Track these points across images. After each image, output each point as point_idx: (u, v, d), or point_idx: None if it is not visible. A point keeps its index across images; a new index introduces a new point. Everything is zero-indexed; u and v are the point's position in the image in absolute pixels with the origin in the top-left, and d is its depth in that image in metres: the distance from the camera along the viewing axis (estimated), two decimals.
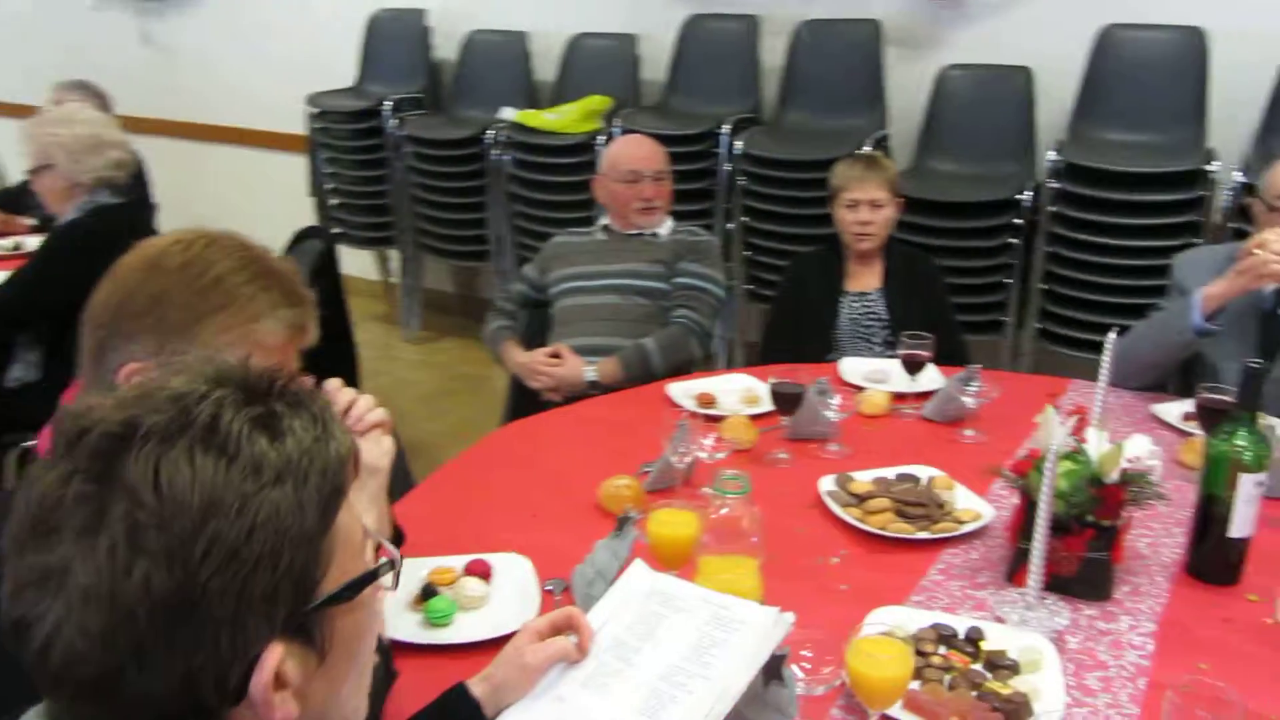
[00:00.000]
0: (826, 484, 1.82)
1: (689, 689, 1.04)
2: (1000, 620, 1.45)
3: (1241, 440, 1.51)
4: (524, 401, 2.74)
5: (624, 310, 2.82)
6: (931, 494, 1.76)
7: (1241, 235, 3.32)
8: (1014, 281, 3.87)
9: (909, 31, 4.17)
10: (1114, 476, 1.47)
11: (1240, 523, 1.53)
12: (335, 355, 2.86)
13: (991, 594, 1.52)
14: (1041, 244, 3.76)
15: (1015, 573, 1.54)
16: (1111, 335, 1.84)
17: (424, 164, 4.77)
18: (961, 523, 1.70)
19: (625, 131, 3.89)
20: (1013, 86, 3.98)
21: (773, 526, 1.47)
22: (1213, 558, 1.56)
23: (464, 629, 1.39)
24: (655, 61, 4.52)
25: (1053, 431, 1.50)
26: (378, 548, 0.78)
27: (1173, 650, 1.39)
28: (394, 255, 5.35)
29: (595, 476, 1.79)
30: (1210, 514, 1.56)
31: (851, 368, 2.45)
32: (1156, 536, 1.69)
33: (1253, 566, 1.56)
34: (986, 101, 4.04)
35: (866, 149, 3.06)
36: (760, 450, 1.98)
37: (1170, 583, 1.56)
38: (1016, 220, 3.76)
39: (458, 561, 1.53)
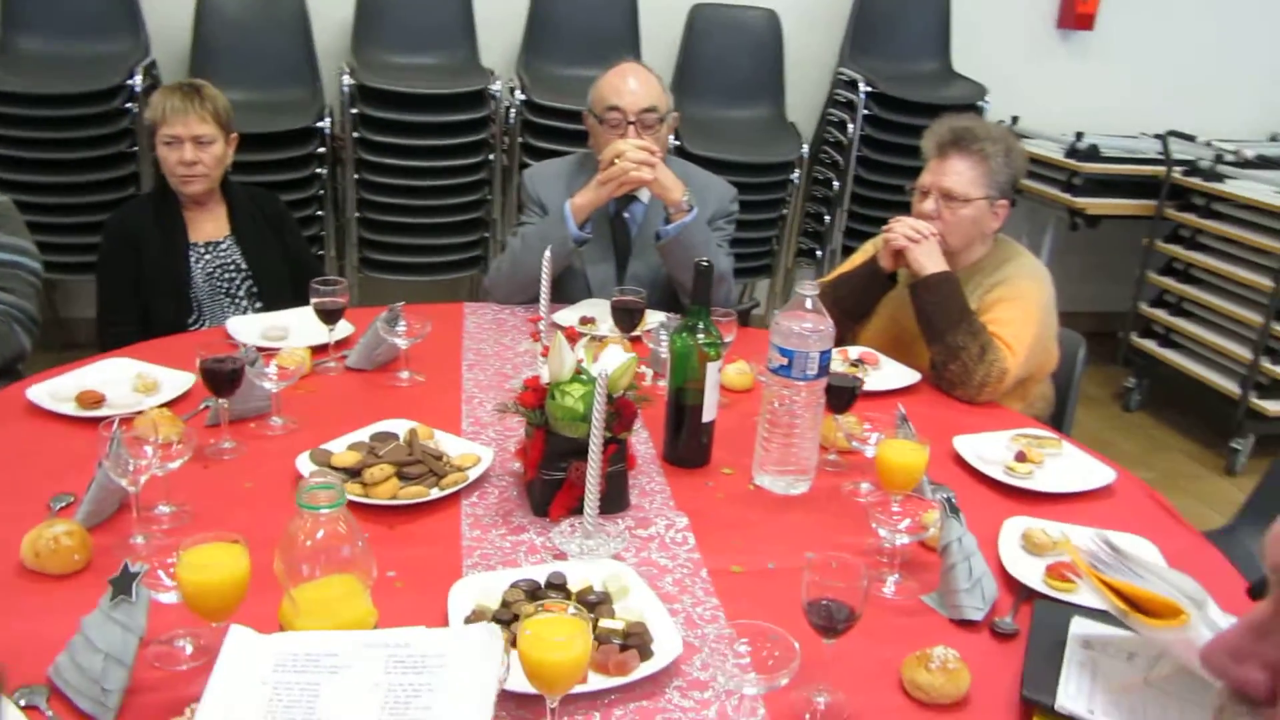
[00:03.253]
0: (306, 465, 1.57)
1: None
2: (562, 556, 1.41)
3: (701, 333, 1.66)
4: None
5: None
6: (422, 448, 1.62)
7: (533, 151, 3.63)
8: (327, 213, 3.75)
9: None
10: (623, 389, 1.50)
11: (709, 407, 1.68)
12: None
13: (536, 534, 1.47)
14: (350, 172, 3.68)
15: (549, 506, 1.50)
16: (547, 254, 1.88)
17: None
18: (465, 469, 1.60)
19: None
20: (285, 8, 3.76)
21: (260, 532, 1.20)
22: (690, 444, 1.70)
23: None
24: None
25: (565, 359, 1.48)
26: None
27: (707, 535, 1.49)
28: None
29: None
30: (681, 405, 1.69)
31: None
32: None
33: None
34: (259, 27, 3.76)
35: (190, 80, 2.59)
36: (199, 444, 1.63)
37: (662, 476, 1.67)
38: (320, 150, 3.62)
39: None
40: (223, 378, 1.61)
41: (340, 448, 1.62)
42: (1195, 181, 3.93)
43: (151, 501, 1.45)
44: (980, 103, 4.04)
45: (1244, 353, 3.69)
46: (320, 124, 3.59)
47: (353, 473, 1.55)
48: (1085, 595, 1.30)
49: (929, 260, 2.09)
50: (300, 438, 1.69)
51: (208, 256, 2.44)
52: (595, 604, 1.27)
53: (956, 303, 2.05)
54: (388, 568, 1.35)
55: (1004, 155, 2.13)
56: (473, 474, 1.58)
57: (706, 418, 1.68)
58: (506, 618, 1.23)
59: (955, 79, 4.21)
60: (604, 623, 1.23)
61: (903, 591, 1.40)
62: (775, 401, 1.60)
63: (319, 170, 3.63)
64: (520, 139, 3.75)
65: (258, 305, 2.47)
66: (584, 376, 1.49)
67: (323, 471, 1.54)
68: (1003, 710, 1.17)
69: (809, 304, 1.57)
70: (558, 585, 1.30)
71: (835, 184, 4.11)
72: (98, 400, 1.74)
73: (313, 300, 1.96)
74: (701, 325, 1.65)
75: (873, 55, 4.15)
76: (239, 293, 2.46)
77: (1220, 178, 3.88)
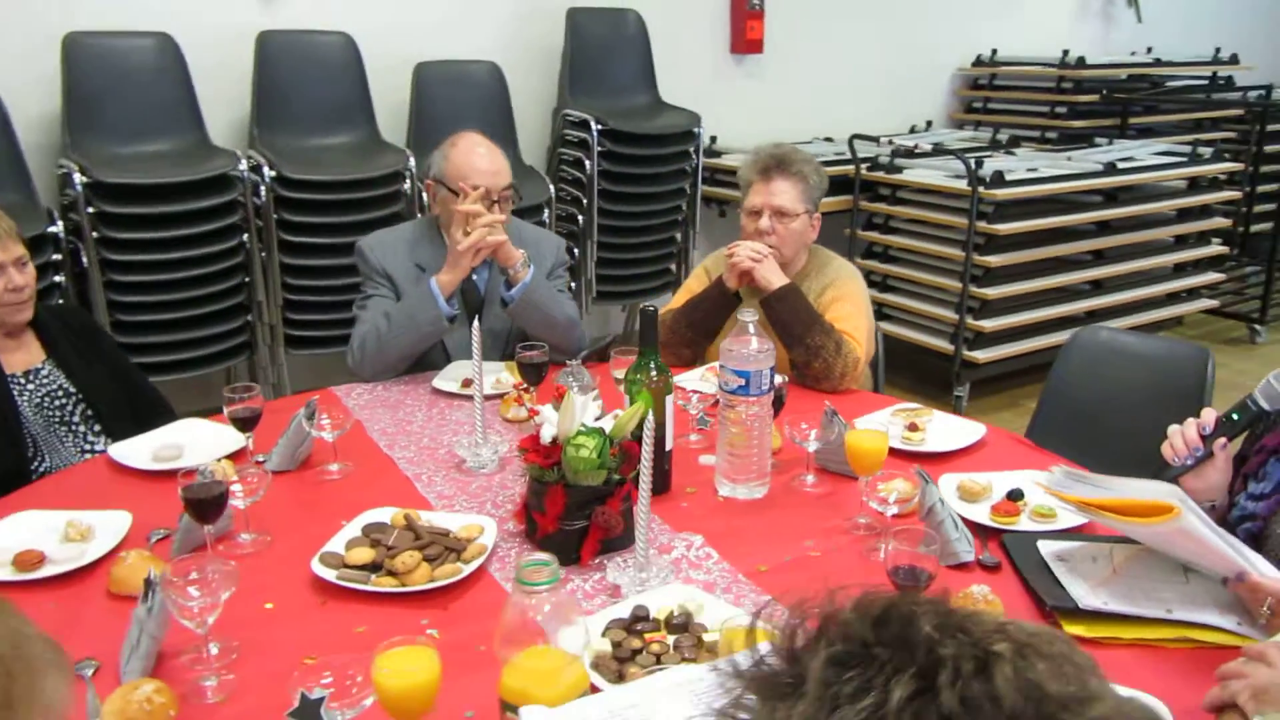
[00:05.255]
0: (327, 571, 1.55)
1: None
2: (617, 593, 1.51)
3: (654, 370, 1.81)
4: None
5: None
6: (428, 529, 1.65)
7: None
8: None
9: None
10: (629, 432, 1.63)
11: (668, 438, 1.85)
12: None
13: (582, 579, 1.56)
14: (96, 274, 3.40)
15: (578, 552, 1.60)
16: (476, 325, 1.95)
17: None
18: (474, 539, 1.65)
19: None
20: None
21: (333, 643, 1.22)
22: (656, 473, 1.85)
23: None
24: None
25: (575, 415, 1.59)
26: None
27: (720, 546, 1.66)
28: None
29: None
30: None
31: None
32: None
33: None
34: None
35: None
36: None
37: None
38: (56, 256, 3.32)
39: None
40: (210, 503, 1.54)
41: (339, 547, 1.62)
42: (880, 175, 4.59)
43: (181, 647, 1.38)
44: (696, 129, 4.46)
45: (950, 314, 4.37)
46: (53, 228, 3.29)
47: (374, 568, 1.56)
48: (1069, 519, 1.63)
49: (773, 275, 2.38)
50: (281, 548, 1.66)
51: (30, 387, 2.23)
52: (683, 625, 1.40)
53: (805, 308, 2.35)
54: (477, 643, 1.39)
55: (815, 174, 2.47)
56: (488, 541, 1.64)
57: (667, 447, 1.85)
58: (626, 655, 1.33)
59: (667, 109, 4.60)
60: (706, 637, 1.37)
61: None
62: (735, 418, 1.80)
63: (57, 279, 3.32)
64: (275, 215, 3.64)
65: (96, 429, 2.28)
66: (584, 428, 1.61)
67: (535, 566, 1.52)
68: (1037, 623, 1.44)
69: (751, 329, 1.78)
70: (643, 618, 1.42)
71: (580, 219, 4.35)
72: (38, 560, 1.59)
73: (227, 409, 1.89)
74: (653, 364, 1.82)
75: (592, 95, 4.43)
76: (74, 419, 2.26)
77: (899, 169, 4.56)
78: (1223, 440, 1.59)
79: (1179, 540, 1.38)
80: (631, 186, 4.33)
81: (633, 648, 1.34)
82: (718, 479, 1.86)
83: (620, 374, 2.06)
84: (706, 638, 1.37)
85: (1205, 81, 6.20)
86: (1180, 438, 1.61)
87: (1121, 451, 2.01)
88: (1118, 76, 5.81)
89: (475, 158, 2.43)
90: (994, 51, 5.86)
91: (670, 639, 1.37)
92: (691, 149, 4.48)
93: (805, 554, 1.64)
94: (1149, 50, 6.37)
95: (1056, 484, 1.54)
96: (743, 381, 1.77)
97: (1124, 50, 6.37)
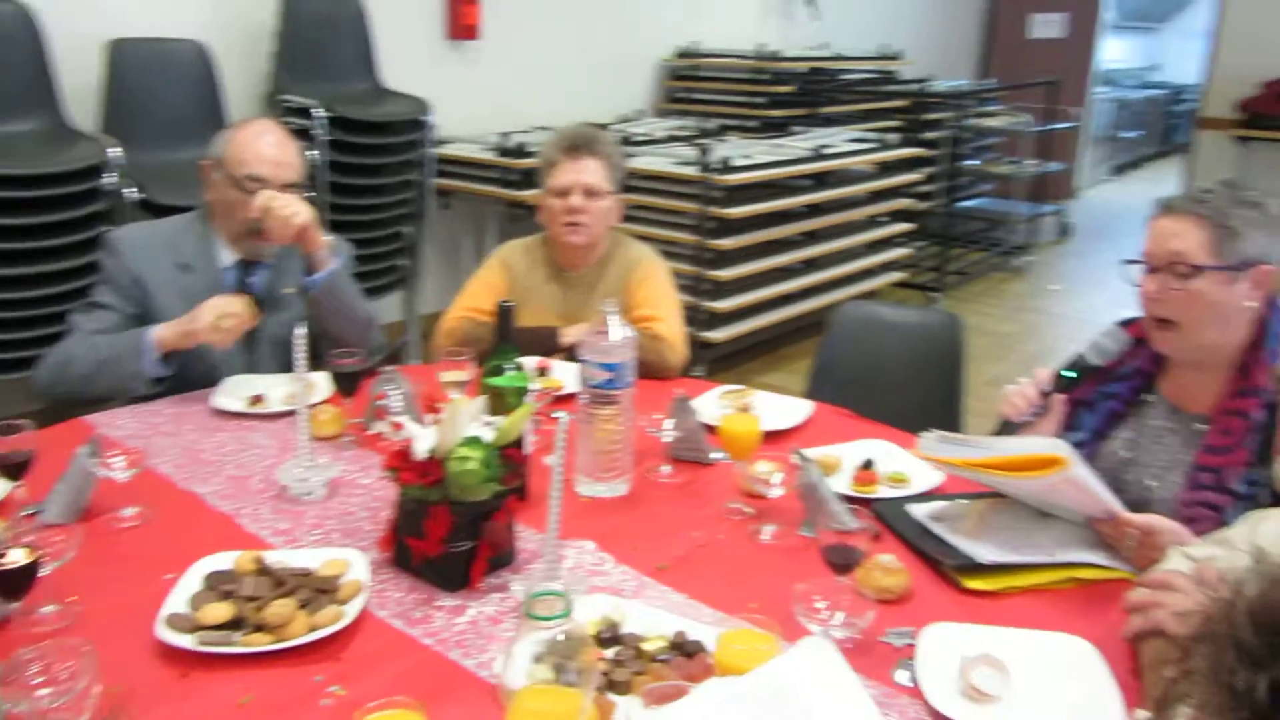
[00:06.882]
0: (180, 638, 1.29)
1: None
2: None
3: (512, 370, 1.69)
4: None
5: None
6: (287, 572, 1.43)
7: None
8: None
9: None
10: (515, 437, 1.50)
11: (527, 442, 1.72)
12: None
13: (482, 604, 1.42)
14: None
15: (467, 575, 1.45)
16: (300, 330, 1.72)
17: None
18: (340, 574, 1.45)
19: None
20: None
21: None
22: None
23: None
24: None
25: (458, 425, 1.44)
26: None
27: (611, 549, 1.57)
28: None
29: None
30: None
31: None
32: None
33: None
34: None
35: None
36: None
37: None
38: None
39: None
40: (20, 577, 1.24)
41: (181, 606, 1.36)
42: None
43: None
44: (423, 117, 4.26)
45: (686, 298, 4.48)
46: None
47: (236, 624, 1.33)
48: (923, 482, 1.70)
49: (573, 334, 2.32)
50: (100, 618, 1.37)
51: None
52: (613, 638, 1.32)
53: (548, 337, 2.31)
54: (392, 694, 1.22)
55: (619, 156, 2.43)
56: (361, 576, 1.45)
57: (526, 451, 1.73)
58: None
59: (392, 96, 4.36)
60: (645, 646, 1.29)
61: (779, 535, 1.64)
62: (602, 414, 1.72)
63: None
64: None
65: None
66: (474, 438, 1.47)
67: (547, 598, 1.20)
68: (938, 584, 1.49)
69: (611, 320, 1.71)
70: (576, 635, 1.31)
71: None
72: None
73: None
74: (511, 364, 1.69)
75: (311, 80, 4.11)
76: None
77: (628, 156, 4.62)
78: (1060, 396, 1.73)
79: (1065, 489, 1.48)
80: (361, 178, 4.07)
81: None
82: (579, 479, 1.77)
83: (451, 376, 1.91)
84: (646, 647, 1.29)
85: (876, 75, 6.82)
86: (1020, 397, 1.73)
87: (891, 415, 2.13)
88: (805, 69, 6.24)
89: (262, 145, 2.16)
90: (695, 43, 6.09)
91: (609, 653, 1.28)
92: (420, 138, 4.28)
93: (697, 546, 1.60)
94: (825, 45, 6.90)
95: (932, 449, 1.60)
96: (610, 375, 1.69)
97: (804, 46, 6.85)
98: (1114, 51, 10.10)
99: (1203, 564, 1.29)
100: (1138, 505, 1.56)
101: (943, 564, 1.50)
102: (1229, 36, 8.12)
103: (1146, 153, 11.71)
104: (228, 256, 2.27)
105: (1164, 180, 9.97)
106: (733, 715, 0.94)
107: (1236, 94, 8.13)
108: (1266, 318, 1.61)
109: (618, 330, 1.70)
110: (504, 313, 1.69)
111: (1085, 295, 6.31)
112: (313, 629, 1.32)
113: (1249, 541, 1.31)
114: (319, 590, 1.40)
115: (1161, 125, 11.98)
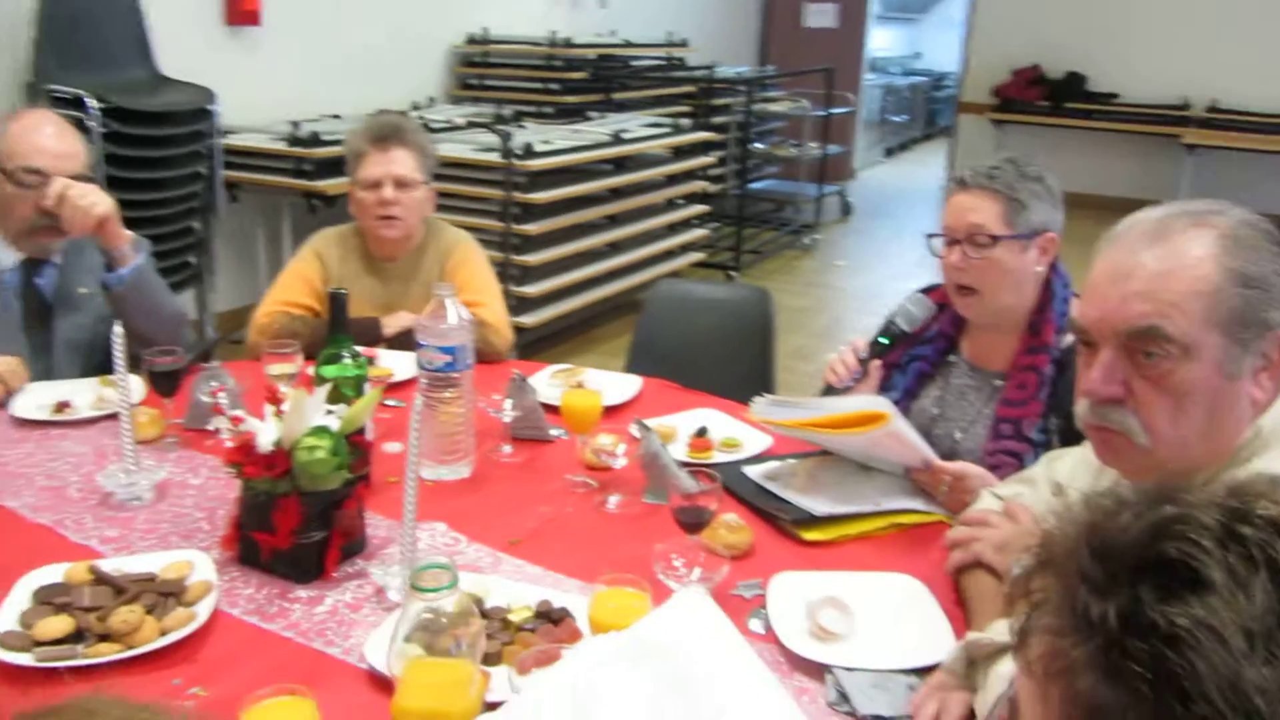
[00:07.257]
0: (6, 656, 1.21)
1: None
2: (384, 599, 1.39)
3: (349, 358, 1.67)
4: None
5: None
6: (126, 579, 1.37)
7: None
8: None
9: None
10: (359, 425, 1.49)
11: (369, 429, 1.71)
12: None
13: (339, 593, 1.40)
14: None
15: (321, 565, 1.43)
16: (118, 329, 1.62)
17: None
18: (185, 576, 1.40)
19: None
20: None
21: None
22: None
23: None
24: None
25: (305, 414, 1.42)
26: None
27: (463, 529, 1.59)
28: None
29: None
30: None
31: None
32: None
33: None
34: None
35: None
36: None
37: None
38: None
39: None
40: None
41: (12, 624, 1.28)
42: None
43: None
44: (209, 106, 4.06)
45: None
46: None
47: (77, 637, 1.26)
48: (755, 446, 1.80)
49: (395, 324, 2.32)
50: None
51: None
52: (479, 613, 1.34)
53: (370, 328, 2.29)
54: (261, 687, 1.20)
55: (429, 145, 2.41)
56: (208, 576, 1.40)
57: (368, 438, 1.71)
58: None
59: (172, 84, 4.12)
60: (511, 617, 1.32)
61: (624, 505, 1.70)
62: (443, 398, 1.72)
63: None
64: None
65: None
66: (322, 428, 1.44)
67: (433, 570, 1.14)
68: (778, 538, 1.59)
69: (448, 303, 1.71)
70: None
71: None
72: None
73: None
74: (347, 352, 1.67)
75: (80, 68, 3.82)
76: None
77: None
78: (877, 362, 1.87)
79: (886, 442, 1.61)
80: (142, 171, 3.82)
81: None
82: (422, 463, 1.76)
83: (279, 370, 1.87)
84: (512, 618, 1.32)
85: (664, 61, 6.99)
86: (841, 365, 1.86)
87: (710, 386, 2.24)
88: (595, 56, 6.33)
89: (39, 136, 2.01)
90: (485, 30, 6.05)
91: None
92: (205, 128, 4.07)
93: (546, 520, 1.64)
94: (613, 33, 7.01)
95: (765, 412, 1.70)
96: (449, 358, 1.70)
97: (592, 33, 6.94)
98: (880, 40, 10.75)
99: (1010, 501, 1.44)
100: (947, 455, 1.72)
101: (781, 519, 1.60)
102: (981, 27, 8.83)
103: (914, 136, 12.54)
104: (9, 258, 2.11)
105: (931, 162, 10.75)
106: (620, 669, 0.99)
107: (991, 81, 8.86)
108: (1051, 281, 1.80)
109: (454, 313, 1.71)
110: (337, 301, 1.66)
111: (868, 270, 6.73)
112: (164, 633, 1.28)
113: (1047, 478, 1.47)
114: (165, 594, 1.35)
115: (925, 110, 12.85)
